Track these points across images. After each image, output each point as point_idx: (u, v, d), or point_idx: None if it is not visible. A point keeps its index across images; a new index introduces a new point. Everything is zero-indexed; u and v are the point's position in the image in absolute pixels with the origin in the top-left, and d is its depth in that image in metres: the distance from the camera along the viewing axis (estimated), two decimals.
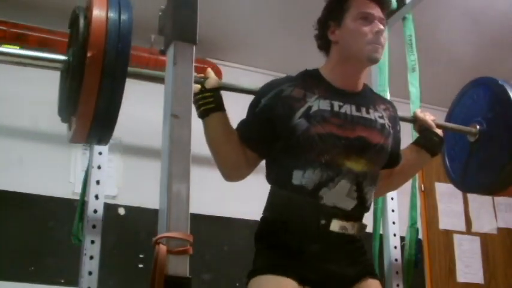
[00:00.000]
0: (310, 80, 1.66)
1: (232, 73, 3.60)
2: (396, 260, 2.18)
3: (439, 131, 1.89)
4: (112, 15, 1.40)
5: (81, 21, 1.43)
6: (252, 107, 1.66)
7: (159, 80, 1.60)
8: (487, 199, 4.17)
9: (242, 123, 1.67)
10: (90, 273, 1.86)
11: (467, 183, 2.19)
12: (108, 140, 1.57)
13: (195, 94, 1.59)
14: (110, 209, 2.95)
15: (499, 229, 4.13)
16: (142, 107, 3.17)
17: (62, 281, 2.88)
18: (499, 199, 4.20)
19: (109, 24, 1.39)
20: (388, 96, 2.25)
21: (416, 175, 2.23)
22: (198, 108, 1.63)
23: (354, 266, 1.56)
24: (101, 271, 1.90)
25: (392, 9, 2.31)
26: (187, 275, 1.10)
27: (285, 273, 1.48)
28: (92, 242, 1.88)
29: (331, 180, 1.53)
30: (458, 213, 4.06)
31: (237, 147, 1.63)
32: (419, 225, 2.28)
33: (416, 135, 1.96)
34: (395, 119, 1.75)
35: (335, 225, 1.52)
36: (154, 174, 1.39)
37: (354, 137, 1.57)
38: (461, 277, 3.93)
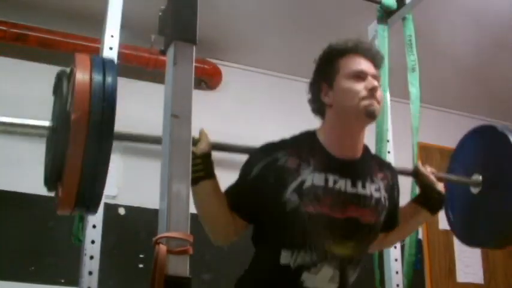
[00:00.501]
0: (307, 146, 1.58)
1: (232, 73, 3.60)
2: (396, 260, 2.18)
3: (441, 187, 1.83)
4: (96, 77, 1.36)
5: (64, 85, 1.40)
6: (244, 173, 1.60)
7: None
8: None
9: (232, 190, 1.61)
10: (90, 273, 1.86)
11: (473, 237, 2.10)
12: (97, 208, 1.51)
13: None
14: (110, 209, 2.96)
15: None
16: (142, 107, 3.17)
17: (62, 281, 2.88)
18: None
19: (93, 87, 1.34)
20: (388, 97, 2.25)
21: None
22: None
23: None
24: (101, 271, 1.90)
25: (392, 9, 2.31)
26: (187, 275, 1.10)
27: None
28: (92, 242, 1.88)
29: (314, 265, 1.48)
30: None
31: (226, 215, 1.57)
32: None
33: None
34: (393, 187, 1.69)
35: None
36: (154, 174, 1.39)
37: (344, 218, 1.51)
38: (461, 277, 3.93)
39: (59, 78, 1.47)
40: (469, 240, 2.17)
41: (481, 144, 2.10)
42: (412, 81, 2.28)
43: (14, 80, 3.11)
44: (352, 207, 1.53)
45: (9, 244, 2.85)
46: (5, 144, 3.01)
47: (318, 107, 1.65)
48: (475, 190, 2.05)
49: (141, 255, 3.07)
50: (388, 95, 2.24)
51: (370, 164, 1.65)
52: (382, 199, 1.60)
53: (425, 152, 4.04)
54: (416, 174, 1.88)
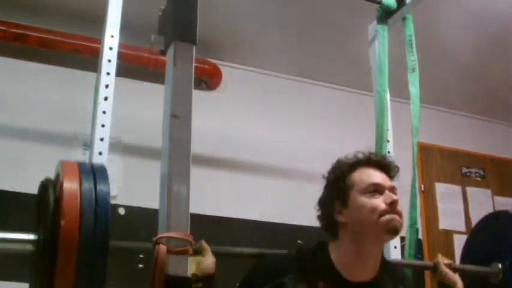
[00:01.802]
0: (317, 268, 1.46)
1: (232, 73, 3.60)
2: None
3: (461, 285, 1.74)
4: (86, 186, 1.24)
5: (51, 194, 1.29)
6: None
7: None
8: (487, 199, 4.17)
9: None
10: None
11: None
12: None
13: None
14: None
15: None
16: (142, 107, 3.17)
17: None
18: (499, 199, 4.20)
19: (83, 196, 1.23)
20: (388, 98, 2.24)
21: (416, 175, 2.23)
22: None
23: None
24: None
25: (393, 9, 2.31)
26: (188, 275, 1.10)
27: None
28: None
29: None
30: (458, 213, 4.05)
31: None
32: (419, 225, 2.27)
33: None
34: None
35: None
36: (154, 174, 1.39)
37: None
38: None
39: (44, 186, 1.35)
40: None
41: (496, 231, 2.01)
42: (412, 81, 2.28)
43: (14, 80, 3.11)
44: None
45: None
46: (5, 144, 3.01)
47: (330, 225, 1.52)
48: (495, 280, 1.94)
49: (141, 255, 3.07)
50: (388, 95, 2.24)
51: (385, 283, 1.53)
52: None
53: (425, 152, 4.04)
54: (435, 270, 1.79)
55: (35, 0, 3.04)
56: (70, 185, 1.23)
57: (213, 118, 3.31)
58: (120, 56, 1.91)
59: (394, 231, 1.44)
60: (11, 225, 2.88)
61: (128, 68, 3.03)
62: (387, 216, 1.43)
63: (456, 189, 4.09)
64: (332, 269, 1.46)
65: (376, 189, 1.46)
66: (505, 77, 3.84)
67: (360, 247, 1.45)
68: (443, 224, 3.99)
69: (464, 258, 2.07)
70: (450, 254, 3.94)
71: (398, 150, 2.30)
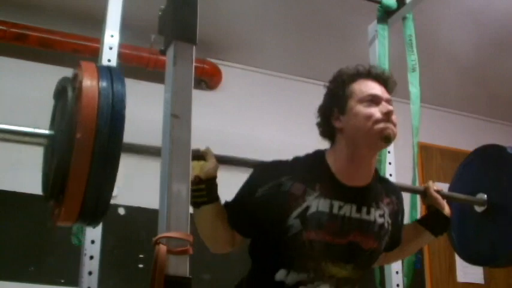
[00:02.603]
0: (314, 171, 1.55)
1: (232, 73, 3.60)
2: None
3: (448, 210, 1.82)
4: (104, 86, 1.28)
5: (69, 94, 1.31)
6: (246, 192, 1.58)
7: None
8: None
9: (233, 207, 1.60)
10: (90, 273, 1.86)
11: (475, 256, 2.09)
12: (99, 223, 1.48)
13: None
14: (110, 209, 2.95)
15: None
16: (142, 107, 3.17)
17: (62, 281, 2.88)
18: None
19: (101, 98, 1.27)
20: None
21: (416, 175, 2.23)
22: (191, 197, 1.48)
23: None
24: (101, 271, 1.89)
25: (393, 9, 2.31)
26: (188, 275, 1.10)
27: None
28: (92, 242, 1.88)
29: (311, 283, 1.49)
30: None
31: (225, 232, 1.59)
32: None
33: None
34: (397, 212, 1.66)
35: None
36: (154, 174, 1.39)
37: (345, 243, 1.50)
38: (461, 277, 3.93)
39: (62, 85, 1.41)
40: (470, 259, 2.16)
41: (486, 164, 2.09)
42: (413, 81, 2.28)
43: (14, 80, 3.11)
44: (355, 232, 1.52)
45: (9, 244, 2.85)
46: (5, 144, 3.01)
47: (328, 131, 1.60)
48: (479, 209, 2.04)
49: (141, 255, 3.07)
50: None
51: (378, 190, 1.62)
52: (386, 224, 1.58)
53: (425, 152, 4.04)
54: (425, 194, 1.87)
55: (35, 0, 3.05)
56: (89, 83, 1.28)
57: (213, 118, 3.32)
58: (120, 56, 1.91)
59: (387, 138, 1.51)
60: (11, 225, 2.89)
61: (128, 68, 3.03)
62: (381, 125, 1.50)
63: None
64: (328, 172, 1.55)
65: (373, 100, 1.53)
66: (505, 77, 3.84)
67: (355, 151, 1.53)
68: None
69: (453, 188, 2.16)
70: (450, 254, 3.94)
71: (398, 150, 2.30)
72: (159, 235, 1.11)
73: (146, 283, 1.08)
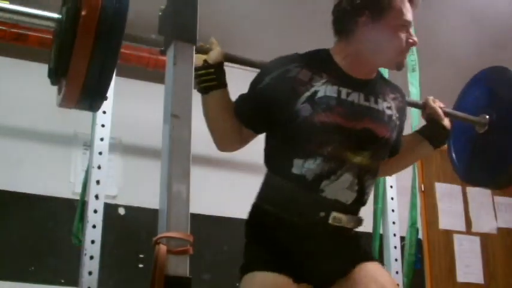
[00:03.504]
0: (320, 62, 1.55)
1: (232, 73, 3.59)
2: (396, 259, 2.18)
3: (447, 122, 1.81)
4: None
5: None
6: (254, 83, 1.57)
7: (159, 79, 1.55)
8: (487, 199, 4.17)
9: (241, 99, 1.59)
10: (90, 273, 1.86)
11: (472, 176, 2.11)
12: (99, 106, 1.48)
13: (197, 68, 1.48)
14: (110, 209, 2.95)
15: (499, 229, 4.13)
16: (142, 107, 3.17)
17: (62, 281, 2.88)
18: (499, 199, 4.20)
19: None
20: None
21: (416, 175, 2.23)
22: (198, 83, 1.53)
23: (351, 258, 1.53)
24: (101, 271, 1.90)
25: None
26: (188, 275, 1.10)
27: (280, 269, 1.44)
28: (92, 242, 1.88)
29: (333, 173, 1.47)
30: (458, 213, 4.06)
31: (234, 124, 1.56)
32: (419, 225, 2.28)
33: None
34: (402, 110, 1.68)
35: (334, 218, 1.47)
36: (154, 174, 1.39)
37: (359, 129, 1.50)
38: (461, 277, 3.93)
39: None
40: (469, 179, 2.18)
41: (490, 86, 2.08)
42: (412, 81, 2.28)
43: (14, 80, 3.11)
44: (367, 119, 1.52)
45: (9, 244, 2.85)
46: (5, 144, 3.01)
47: (346, 28, 1.57)
48: (480, 130, 2.02)
49: (141, 255, 3.07)
50: None
51: (383, 85, 1.65)
52: (394, 117, 1.60)
53: None
54: (424, 106, 1.85)
55: (35, 0, 3.04)
56: None
57: None
58: (120, 56, 1.90)
59: (399, 68, 1.58)
60: (11, 225, 2.89)
61: (128, 68, 3.03)
62: (403, 57, 1.56)
63: (456, 189, 4.09)
64: (334, 64, 1.56)
65: (406, 26, 1.54)
66: None
67: (365, 59, 1.55)
68: (443, 223, 4.00)
69: (455, 109, 2.14)
70: (450, 254, 3.94)
71: None
72: (159, 235, 1.11)
73: (146, 283, 1.08)
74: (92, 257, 1.87)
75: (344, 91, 1.51)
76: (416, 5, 1.58)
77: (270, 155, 1.60)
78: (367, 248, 1.71)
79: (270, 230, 1.51)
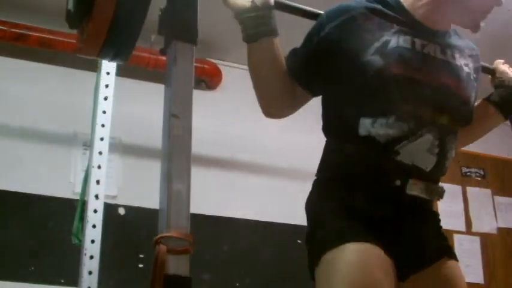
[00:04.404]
0: (389, 8, 1.36)
1: (232, 73, 3.60)
2: None
3: None
4: None
5: None
6: (312, 34, 1.37)
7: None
8: (487, 199, 4.17)
9: (295, 53, 1.39)
10: (90, 273, 1.86)
11: None
12: (128, 55, 1.25)
13: (244, 11, 1.30)
14: (110, 209, 2.95)
15: (499, 229, 4.13)
16: (142, 107, 3.17)
17: (62, 281, 2.88)
18: (499, 199, 4.20)
19: None
20: None
21: None
22: (246, 28, 1.32)
23: (435, 245, 1.37)
24: (100, 271, 1.90)
25: None
26: (188, 274, 1.10)
27: (372, 240, 1.21)
28: (92, 241, 1.88)
29: (413, 134, 1.27)
30: (458, 213, 4.06)
31: (287, 83, 1.35)
32: None
33: None
34: (478, 71, 1.51)
35: (412, 187, 1.28)
36: (154, 174, 1.39)
37: (437, 85, 1.32)
38: None
39: None
40: None
41: None
42: None
43: (14, 80, 3.11)
44: (445, 73, 1.35)
45: (9, 244, 2.85)
46: (5, 144, 3.01)
47: None
48: None
49: (141, 255, 3.07)
50: None
51: (459, 40, 1.49)
52: (472, 77, 1.43)
53: None
54: (494, 71, 1.66)
55: (35, 0, 3.04)
56: None
57: (213, 118, 3.31)
58: None
59: (476, 30, 1.45)
60: (11, 225, 2.89)
61: (128, 68, 3.03)
62: (482, 18, 1.44)
63: (456, 189, 4.09)
64: (406, 12, 1.37)
65: None
66: None
67: (445, 7, 1.38)
68: (444, 223, 3.96)
69: None
70: None
71: None
72: (159, 235, 1.11)
73: (146, 283, 1.08)
74: (91, 257, 1.87)
75: (419, 42, 1.33)
76: None
77: (329, 119, 1.40)
78: (448, 243, 1.47)
79: (340, 198, 1.30)
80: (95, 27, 1.15)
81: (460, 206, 4.08)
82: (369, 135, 1.28)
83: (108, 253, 2.60)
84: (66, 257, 2.63)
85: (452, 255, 1.39)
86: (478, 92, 1.48)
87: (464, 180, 4.16)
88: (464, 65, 1.41)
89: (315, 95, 1.41)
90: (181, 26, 1.26)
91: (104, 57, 1.27)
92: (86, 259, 1.86)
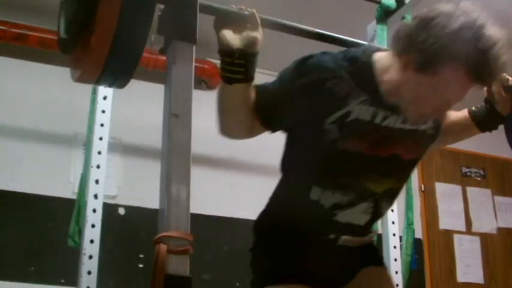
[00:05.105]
0: (362, 74, 1.34)
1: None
2: (395, 259, 2.18)
3: (504, 108, 1.55)
4: None
5: None
6: (287, 79, 1.36)
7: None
8: (487, 199, 4.17)
9: (265, 90, 1.37)
10: (89, 272, 1.86)
11: None
12: (127, 81, 1.25)
13: (226, 52, 1.27)
14: (110, 208, 2.96)
15: (499, 229, 4.13)
16: (142, 107, 3.17)
17: (62, 281, 2.88)
18: (499, 199, 4.20)
19: None
20: None
21: (417, 175, 2.23)
22: (222, 69, 1.31)
23: (359, 260, 1.50)
24: (100, 271, 1.90)
25: (392, 9, 2.31)
26: (188, 274, 1.10)
27: (295, 281, 1.40)
28: (91, 241, 1.88)
29: (353, 204, 1.40)
30: (458, 213, 4.06)
31: (249, 115, 1.35)
32: (419, 225, 2.28)
33: None
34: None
35: (344, 241, 1.44)
36: (154, 174, 1.39)
37: (385, 156, 1.37)
38: (461, 277, 3.93)
39: None
40: None
41: None
42: None
43: (14, 80, 3.11)
44: (397, 143, 1.38)
45: (9, 244, 2.85)
46: (5, 144, 3.01)
47: (407, 50, 1.27)
48: None
49: (141, 255, 3.07)
50: None
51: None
52: (429, 130, 1.45)
53: None
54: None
55: (35, 0, 3.04)
56: None
57: (213, 118, 3.31)
58: None
59: (414, 123, 1.40)
60: (11, 225, 2.89)
61: None
62: (431, 115, 1.38)
63: (456, 189, 4.10)
64: (375, 82, 1.33)
65: (447, 102, 1.36)
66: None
67: (403, 93, 1.32)
68: (443, 224, 4.00)
69: None
70: (450, 254, 3.95)
71: None
72: (159, 234, 1.11)
73: (146, 283, 1.08)
74: (90, 257, 1.86)
75: (380, 114, 1.34)
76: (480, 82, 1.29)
77: (289, 167, 1.48)
78: (377, 251, 1.59)
79: (281, 240, 1.47)
80: (92, 57, 1.13)
81: (460, 206, 4.08)
82: (318, 201, 1.39)
83: (108, 253, 2.61)
84: (66, 257, 2.63)
85: (377, 263, 1.54)
86: (438, 133, 1.50)
87: (464, 180, 4.17)
88: (423, 123, 1.43)
89: (273, 130, 1.44)
90: (181, 26, 1.26)
91: (102, 85, 1.28)
92: (85, 259, 1.86)
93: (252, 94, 1.35)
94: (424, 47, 1.23)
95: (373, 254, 1.56)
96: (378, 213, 1.46)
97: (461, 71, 1.23)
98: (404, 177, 1.51)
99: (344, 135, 1.32)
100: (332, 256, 1.45)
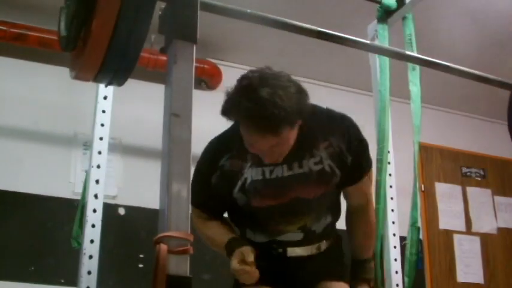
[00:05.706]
0: (242, 146, 1.55)
1: (232, 73, 3.59)
2: (396, 259, 2.17)
3: None
4: None
5: None
6: (203, 179, 1.63)
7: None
8: (487, 199, 4.17)
9: (200, 201, 1.65)
10: (89, 272, 1.86)
11: None
12: (125, 78, 1.23)
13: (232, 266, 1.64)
14: (110, 209, 2.95)
15: (499, 229, 4.13)
16: (142, 107, 3.17)
17: (62, 281, 2.88)
18: (499, 199, 4.20)
19: None
20: (388, 96, 2.24)
21: (417, 174, 2.22)
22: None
23: (316, 273, 1.70)
24: (100, 271, 1.89)
25: (393, 8, 2.31)
26: (188, 274, 1.10)
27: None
28: (91, 241, 1.88)
29: (281, 234, 1.68)
30: (458, 213, 4.06)
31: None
32: (419, 225, 2.27)
33: None
34: (340, 152, 1.61)
35: (292, 252, 1.68)
36: (154, 174, 1.39)
37: (288, 201, 1.60)
38: (461, 277, 3.93)
39: None
40: None
41: None
42: (413, 79, 2.27)
43: (14, 80, 3.11)
44: (294, 187, 1.59)
45: (9, 244, 2.85)
46: (5, 144, 3.01)
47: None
48: None
49: (141, 255, 3.07)
50: (388, 94, 2.24)
51: (311, 138, 1.60)
52: (327, 168, 1.60)
53: (425, 152, 4.04)
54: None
55: (35, 0, 3.04)
56: None
57: (213, 118, 3.31)
58: None
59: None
60: (11, 225, 2.89)
61: None
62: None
63: (456, 189, 4.10)
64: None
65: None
66: (505, 77, 3.84)
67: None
68: (443, 224, 4.00)
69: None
70: (450, 254, 3.94)
71: (398, 150, 2.30)
72: (160, 234, 1.11)
73: (146, 283, 1.08)
74: (91, 257, 1.86)
75: (268, 170, 1.59)
76: (267, 134, 1.45)
77: (229, 216, 1.79)
78: (336, 265, 1.79)
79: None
80: (90, 53, 1.12)
81: (460, 206, 4.08)
82: (254, 240, 1.69)
83: (108, 253, 2.60)
84: (66, 257, 2.63)
85: (334, 278, 1.72)
86: (353, 160, 1.64)
87: (464, 180, 4.17)
88: (315, 163, 1.60)
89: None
90: (181, 25, 1.26)
91: (100, 82, 1.27)
92: (85, 259, 1.86)
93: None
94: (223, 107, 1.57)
95: (334, 268, 1.75)
96: (310, 232, 1.68)
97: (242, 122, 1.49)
98: (321, 207, 1.69)
99: (249, 197, 1.60)
100: (287, 266, 1.69)
